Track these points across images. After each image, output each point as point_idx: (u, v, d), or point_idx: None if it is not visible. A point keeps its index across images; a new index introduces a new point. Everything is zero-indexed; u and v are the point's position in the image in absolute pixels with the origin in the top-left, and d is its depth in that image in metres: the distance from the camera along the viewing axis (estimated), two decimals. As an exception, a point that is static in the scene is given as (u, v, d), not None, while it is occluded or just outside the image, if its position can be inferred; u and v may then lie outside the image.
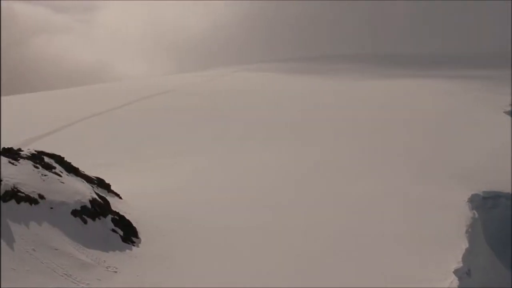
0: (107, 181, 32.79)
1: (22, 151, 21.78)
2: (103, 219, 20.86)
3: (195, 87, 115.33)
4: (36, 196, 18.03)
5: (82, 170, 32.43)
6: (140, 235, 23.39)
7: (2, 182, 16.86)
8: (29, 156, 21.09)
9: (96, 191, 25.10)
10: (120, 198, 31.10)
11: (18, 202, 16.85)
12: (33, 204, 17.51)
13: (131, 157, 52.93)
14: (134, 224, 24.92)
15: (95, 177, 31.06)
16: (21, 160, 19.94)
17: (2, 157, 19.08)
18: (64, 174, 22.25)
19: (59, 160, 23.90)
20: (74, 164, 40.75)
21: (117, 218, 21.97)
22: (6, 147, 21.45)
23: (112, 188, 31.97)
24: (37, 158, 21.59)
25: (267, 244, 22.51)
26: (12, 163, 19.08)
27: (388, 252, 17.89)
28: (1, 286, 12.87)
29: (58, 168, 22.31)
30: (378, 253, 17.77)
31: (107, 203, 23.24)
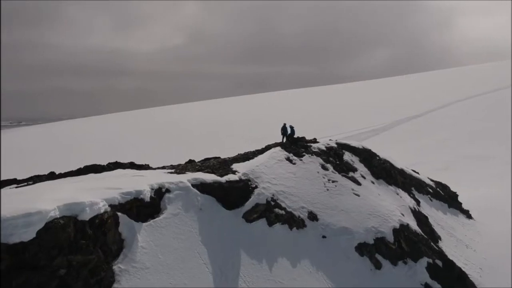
0: (457, 187, 23.80)
1: (317, 142, 16.17)
2: (411, 263, 12.62)
3: None
4: (305, 215, 11.96)
5: (426, 169, 24.62)
6: (481, 299, 13.76)
7: (255, 191, 11.65)
8: (322, 151, 15.24)
9: (426, 210, 16.85)
10: (470, 217, 21.34)
11: (271, 224, 11.20)
12: (294, 229, 11.53)
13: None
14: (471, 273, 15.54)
15: (436, 182, 22.45)
16: (306, 157, 14.35)
17: (277, 150, 14.08)
18: (367, 180, 15.06)
19: (367, 157, 16.78)
20: (422, 161, 33.19)
21: (440, 263, 13.17)
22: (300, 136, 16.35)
23: (462, 198, 22.62)
24: (333, 154, 15.47)
25: None
26: (291, 161, 13.74)
27: None
28: None
29: (360, 171, 15.39)
30: None
31: (432, 234, 14.71)
